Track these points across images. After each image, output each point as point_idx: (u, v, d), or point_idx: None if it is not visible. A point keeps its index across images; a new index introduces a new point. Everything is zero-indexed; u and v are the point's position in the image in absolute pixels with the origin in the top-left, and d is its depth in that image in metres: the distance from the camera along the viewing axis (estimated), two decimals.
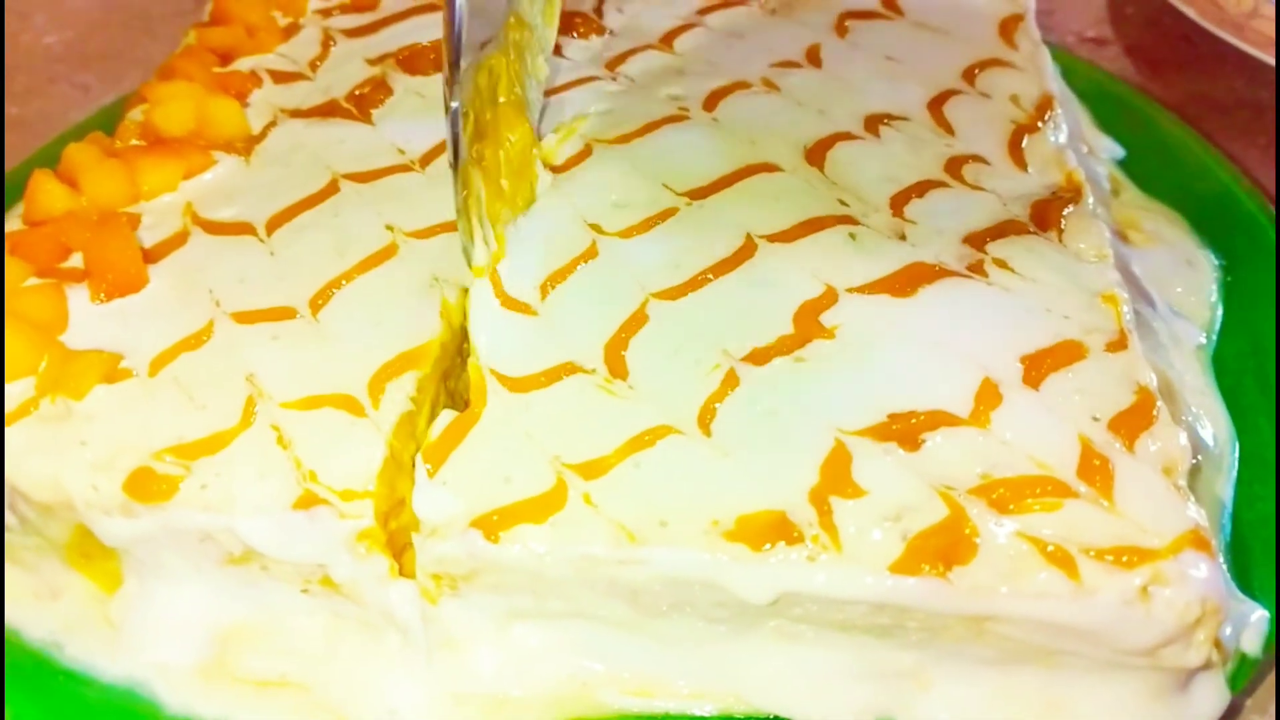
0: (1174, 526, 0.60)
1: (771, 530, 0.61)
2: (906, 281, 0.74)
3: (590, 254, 0.78)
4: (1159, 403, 0.66)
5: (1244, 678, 0.64)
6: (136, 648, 0.71)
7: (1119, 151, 1.02)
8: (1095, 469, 0.62)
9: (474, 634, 0.67)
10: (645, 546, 0.61)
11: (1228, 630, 0.63)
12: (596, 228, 0.80)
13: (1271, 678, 0.69)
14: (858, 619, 0.61)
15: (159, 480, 0.67)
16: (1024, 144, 0.87)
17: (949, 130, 0.89)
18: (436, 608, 0.66)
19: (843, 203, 0.81)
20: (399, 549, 0.68)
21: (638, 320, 0.73)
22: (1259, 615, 0.65)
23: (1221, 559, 0.67)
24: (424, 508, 0.64)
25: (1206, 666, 0.60)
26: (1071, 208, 0.80)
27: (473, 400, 0.69)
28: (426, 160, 0.89)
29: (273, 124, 0.95)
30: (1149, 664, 0.60)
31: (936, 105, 0.91)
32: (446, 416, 0.68)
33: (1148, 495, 0.61)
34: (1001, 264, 0.76)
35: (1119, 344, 0.69)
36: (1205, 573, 0.58)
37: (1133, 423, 0.65)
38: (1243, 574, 0.68)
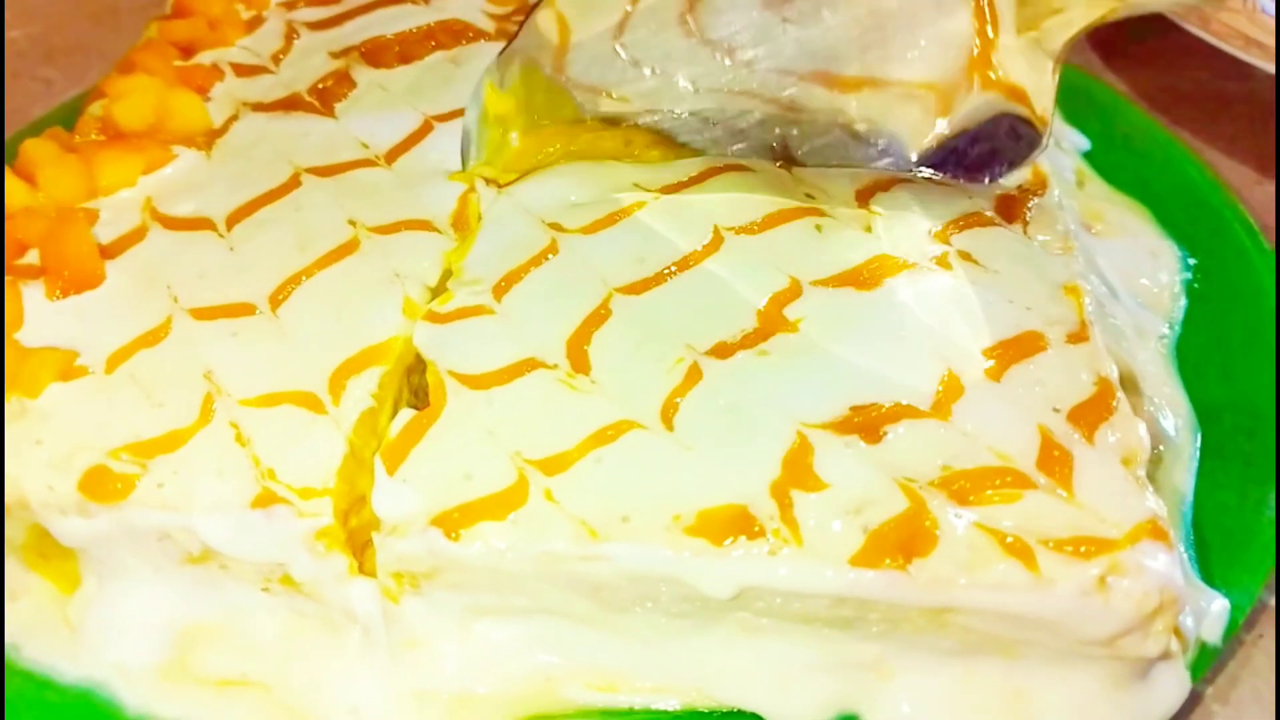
0: (1132, 517, 0.60)
1: (733, 524, 0.61)
2: (871, 273, 0.74)
3: (550, 250, 0.77)
4: (1119, 394, 0.66)
5: (1204, 666, 0.65)
6: (96, 648, 0.70)
7: (1084, 143, 1.02)
8: (1055, 460, 0.62)
9: (436, 632, 0.66)
10: (607, 542, 0.61)
11: (1189, 620, 0.63)
12: (556, 226, 0.79)
13: (1233, 667, 0.69)
14: (820, 611, 0.61)
15: (115, 479, 0.66)
16: None
17: None
18: (398, 606, 0.65)
19: (809, 196, 0.81)
20: (360, 546, 0.67)
21: (600, 315, 0.72)
22: (1219, 604, 0.65)
23: (1181, 549, 0.67)
24: (384, 506, 0.64)
25: (1166, 656, 0.60)
26: (1035, 200, 0.80)
27: (432, 398, 0.68)
28: (391, 156, 0.88)
29: (234, 118, 0.94)
30: (1109, 654, 0.60)
31: None
32: (406, 414, 0.68)
33: (1106, 486, 0.61)
34: (966, 256, 0.76)
35: (1080, 335, 0.69)
36: (1163, 563, 0.59)
37: (1092, 414, 0.65)
38: (1203, 563, 0.69)
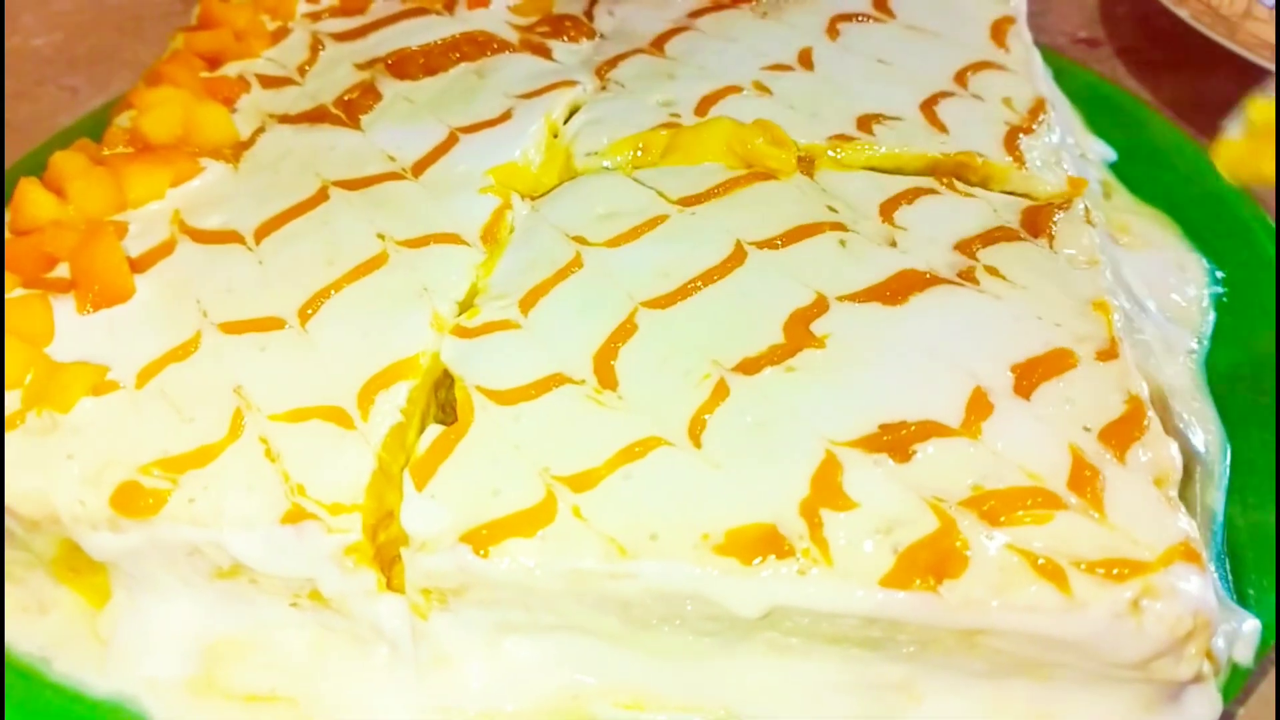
0: (1165, 539, 0.60)
1: (762, 543, 0.60)
2: (897, 289, 0.74)
3: (575, 265, 0.78)
4: (1150, 413, 0.66)
5: (1237, 687, 0.64)
6: (125, 662, 0.71)
7: (1110, 154, 1.02)
8: (1086, 480, 0.62)
9: (464, 648, 0.66)
10: (635, 560, 0.61)
11: (1220, 641, 0.62)
12: (580, 239, 0.80)
13: (1264, 687, 0.69)
14: (849, 632, 0.61)
15: (146, 494, 0.66)
16: (1019, 144, 0.87)
17: (942, 129, 0.88)
18: (426, 622, 0.66)
19: (832, 209, 0.81)
20: (388, 562, 0.67)
21: (627, 330, 0.72)
22: (1251, 625, 0.65)
23: (1213, 569, 0.67)
24: (412, 522, 0.64)
25: (1198, 679, 0.60)
26: (1061, 214, 0.80)
27: (460, 414, 0.69)
28: (419, 169, 0.89)
29: (261, 130, 0.95)
30: (1140, 676, 0.59)
31: (929, 106, 0.91)
32: (434, 430, 0.68)
33: (1139, 507, 0.61)
34: (993, 271, 0.75)
35: (1109, 353, 0.69)
36: (1196, 586, 0.58)
37: (1124, 433, 0.64)
38: (1235, 582, 0.68)
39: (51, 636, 0.72)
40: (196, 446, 0.68)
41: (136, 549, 0.67)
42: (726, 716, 0.65)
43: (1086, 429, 0.65)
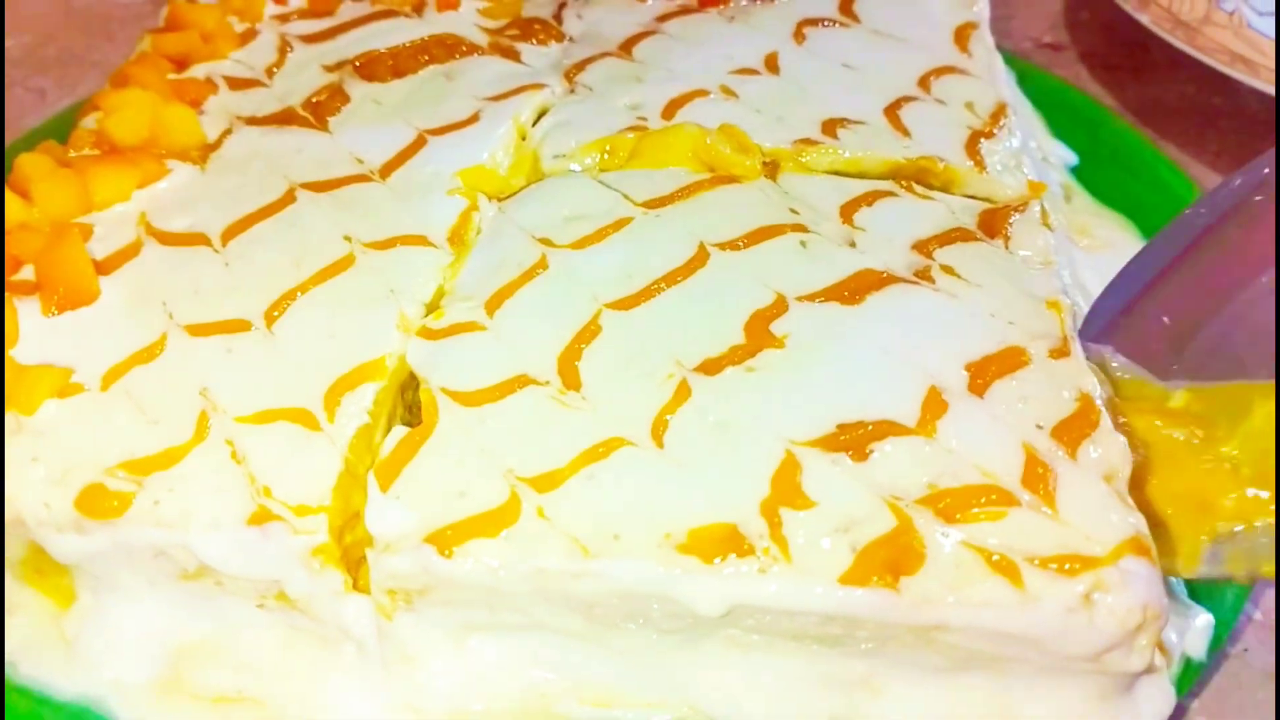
0: (1115, 533, 0.61)
1: (723, 542, 0.61)
2: (855, 289, 0.75)
3: (540, 266, 0.78)
4: (1101, 410, 0.67)
5: (1190, 681, 0.66)
6: (92, 665, 0.70)
7: (1072, 158, 1.03)
8: (1039, 477, 0.63)
9: (429, 648, 0.67)
10: (598, 560, 0.61)
11: (1173, 635, 0.64)
12: (547, 241, 0.80)
13: (1218, 680, 0.70)
14: (809, 629, 0.62)
15: (111, 496, 0.66)
16: (980, 149, 0.88)
17: (905, 134, 0.89)
18: (391, 623, 0.66)
19: (794, 211, 0.82)
20: (355, 562, 0.67)
21: (591, 331, 0.73)
22: (1204, 620, 0.66)
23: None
24: (377, 524, 0.64)
25: (1150, 671, 0.61)
26: (1017, 215, 0.81)
27: (424, 416, 0.69)
28: (386, 170, 0.89)
29: (229, 132, 0.95)
30: (1094, 669, 0.60)
31: (893, 111, 0.92)
32: (399, 432, 0.68)
33: (1089, 503, 0.62)
34: (949, 270, 0.77)
35: (1062, 351, 0.70)
36: (1146, 579, 0.59)
37: (1075, 430, 0.66)
38: (1189, 581, 0.69)
39: (17, 639, 0.72)
40: (162, 448, 0.68)
41: (102, 551, 0.67)
42: (692, 714, 0.66)
43: (1039, 426, 0.66)
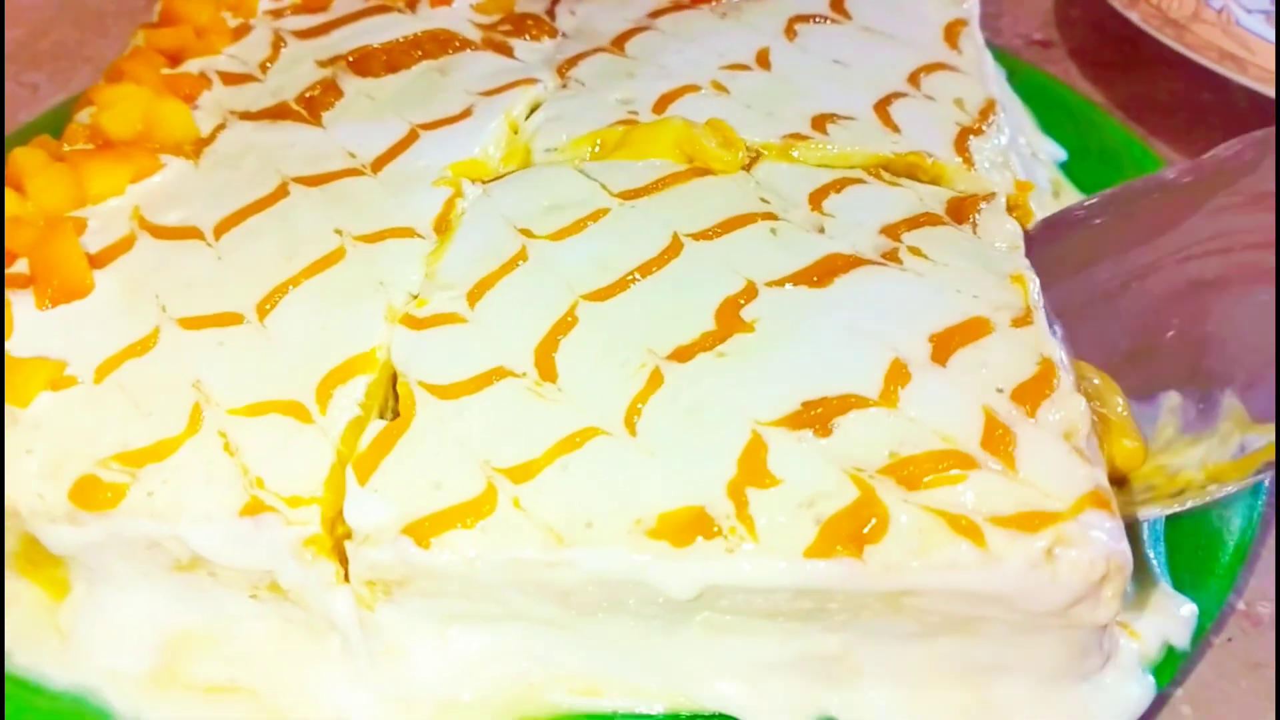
0: (1075, 489, 0.61)
1: (691, 526, 0.62)
2: (823, 272, 0.76)
3: (520, 258, 0.79)
4: (1060, 372, 0.67)
5: (1172, 670, 0.66)
6: (86, 655, 0.71)
7: (1061, 154, 1.04)
8: (998, 439, 0.64)
9: (413, 639, 0.67)
10: (572, 548, 0.62)
11: (1155, 624, 0.65)
12: (527, 232, 0.81)
13: (1202, 669, 0.71)
14: (781, 606, 0.62)
15: (105, 488, 0.67)
16: (969, 145, 0.89)
17: (895, 129, 0.90)
18: (373, 614, 0.66)
19: (765, 200, 0.83)
20: (346, 554, 0.68)
21: (567, 322, 0.73)
22: (1187, 609, 0.67)
23: (1150, 552, 0.69)
24: (355, 516, 0.65)
25: (1115, 623, 0.62)
26: (985, 205, 0.82)
27: (402, 409, 0.69)
28: (378, 164, 0.89)
29: (222, 126, 0.95)
30: (1063, 623, 0.61)
31: (882, 107, 0.92)
32: (377, 425, 0.69)
33: (1049, 460, 0.63)
34: (916, 251, 0.77)
35: (1024, 320, 0.71)
36: (1107, 531, 0.60)
37: (1034, 392, 0.66)
38: (1172, 568, 0.70)
39: (12, 630, 0.72)
40: (155, 440, 0.69)
41: (95, 542, 0.68)
42: (684, 701, 0.67)
43: (999, 390, 0.66)
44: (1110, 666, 0.64)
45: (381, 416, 0.72)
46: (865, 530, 0.60)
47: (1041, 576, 0.59)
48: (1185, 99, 1.19)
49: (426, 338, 0.74)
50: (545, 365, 0.71)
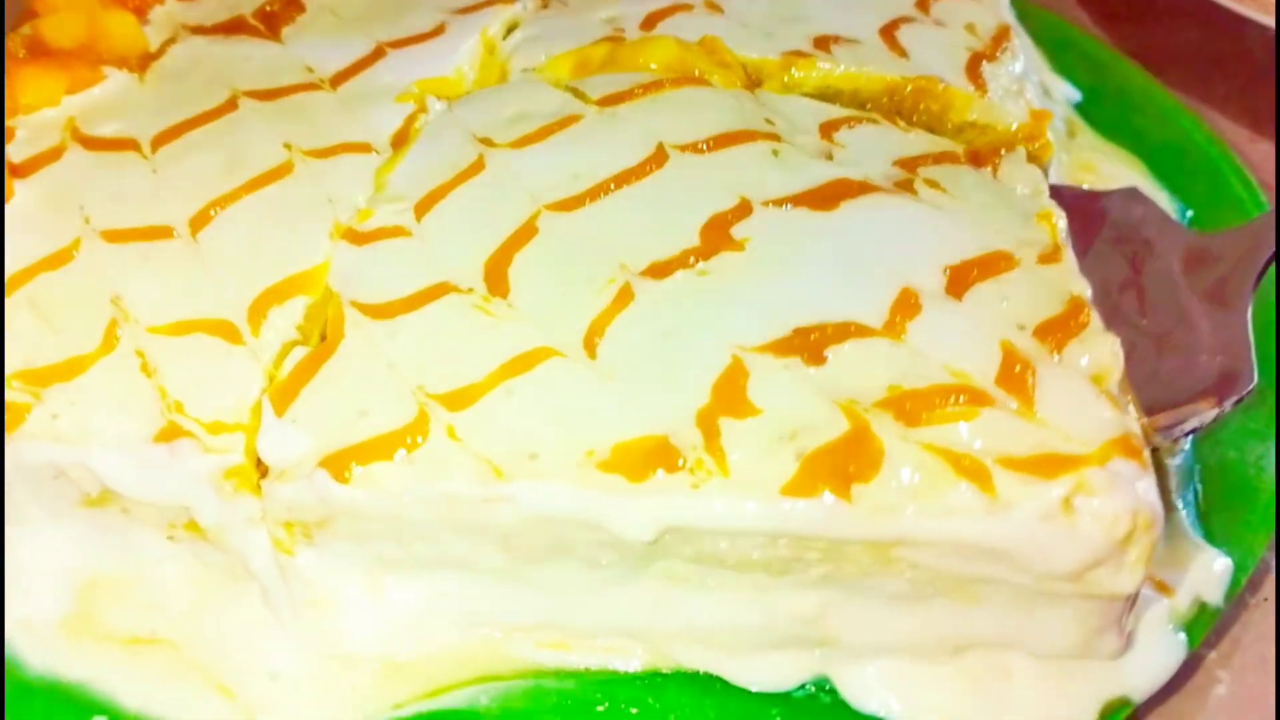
0: (1102, 433, 0.54)
1: (651, 458, 0.54)
2: (828, 196, 0.68)
3: (477, 167, 0.71)
4: (1090, 309, 0.60)
5: (1204, 629, 0.60)
6: None
7: (1075, 95, 0.97)
8: (1016, 376, 0.56)
9: (341, 589, 0.60)
10: (510, 482, 0.54)
11: (1186, 578, 0.57)
12: (486, 141, 0.74)
13: (1236, 630, 0.64)
14: (752, 554, 0.55)
15: (5, 408, 0.60)
16: (982, 71, 0.81)
17: (902, 54, 0.83)
18: (293, 559, 0.59)
19: (769, 122, 0.75)
20: None
21: (525, 234, 0.66)
22: (1221, 563, 0.60)
23: (1181, 506, 0.62)
24: (269, 450, 0.57)
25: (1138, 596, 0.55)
26: (1006, 154, 0.74)
27: (329, 332, 0.62)
28: (337, 80, 0.82)
29: (172, 40, 0.89)
30: (1076, 591, 0.54)
31: (889, 31, 0.85)
32: (299, 353, 0.62)
33: (1073, 402, 0.55)
34: (932, 183, 0.69)
35: (1052, 256, 0.63)
36: (1137, 482, 0.52)
37: (1061, 330, 0.59)
38: (1205, 522, 0.64)
39: None
40: (64, 358, 0.62)
41: None
42: (659, 659, 0.60)
43: (1021, 327, 0.59)
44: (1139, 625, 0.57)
45: None
46: (855, 467, 0.53)
47: (1056, 530, 0.52)
48: (1202, 48, 1.12)
49: (367, 253, 0.66)
50: (496, 280, 0.63)
